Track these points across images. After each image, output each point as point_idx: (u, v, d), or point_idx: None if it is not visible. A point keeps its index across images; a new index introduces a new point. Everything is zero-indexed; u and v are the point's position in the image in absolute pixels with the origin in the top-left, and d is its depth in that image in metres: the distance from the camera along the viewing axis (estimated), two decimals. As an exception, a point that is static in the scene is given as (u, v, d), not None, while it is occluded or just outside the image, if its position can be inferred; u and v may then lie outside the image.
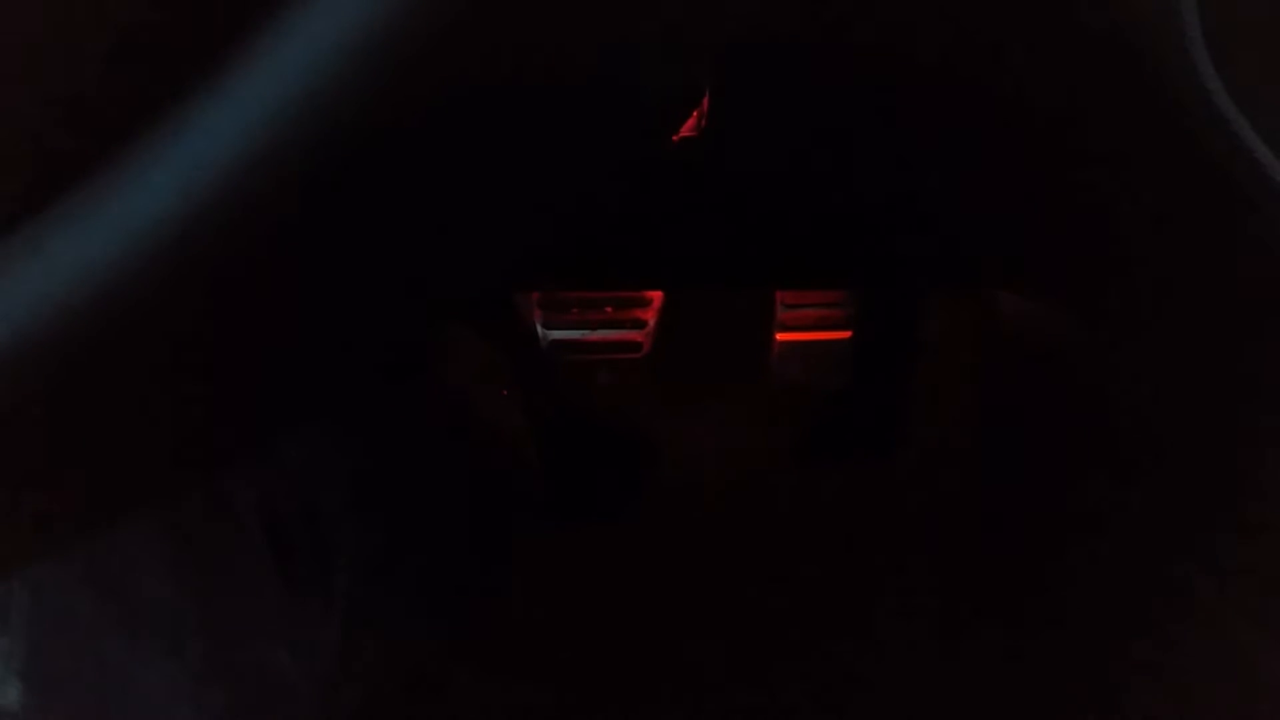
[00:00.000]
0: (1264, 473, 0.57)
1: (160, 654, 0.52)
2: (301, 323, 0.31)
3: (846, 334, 0.98)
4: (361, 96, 0.23)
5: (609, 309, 0.97)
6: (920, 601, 0.94)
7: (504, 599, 0.94)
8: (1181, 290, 0.53)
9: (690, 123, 0.65)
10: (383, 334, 0.41)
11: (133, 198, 0.22)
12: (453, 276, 0.44)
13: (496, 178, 0.36)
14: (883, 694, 0.87)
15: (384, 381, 0.91)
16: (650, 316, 0.97)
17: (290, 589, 0.66)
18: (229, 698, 0.54)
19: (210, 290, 0.25)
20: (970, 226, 0.69)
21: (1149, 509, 0.70)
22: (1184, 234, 0.49)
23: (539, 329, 0.98)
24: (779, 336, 0.98)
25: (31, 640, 0.51)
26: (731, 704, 0.88)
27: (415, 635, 0.84)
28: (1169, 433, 0.65)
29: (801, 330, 0.99)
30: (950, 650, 0.87)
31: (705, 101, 0.64)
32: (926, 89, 0.55)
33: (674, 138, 0.66)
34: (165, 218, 0.23)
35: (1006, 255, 0.72)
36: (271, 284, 0.28)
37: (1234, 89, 0.40)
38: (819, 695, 0.88)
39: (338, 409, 0.72)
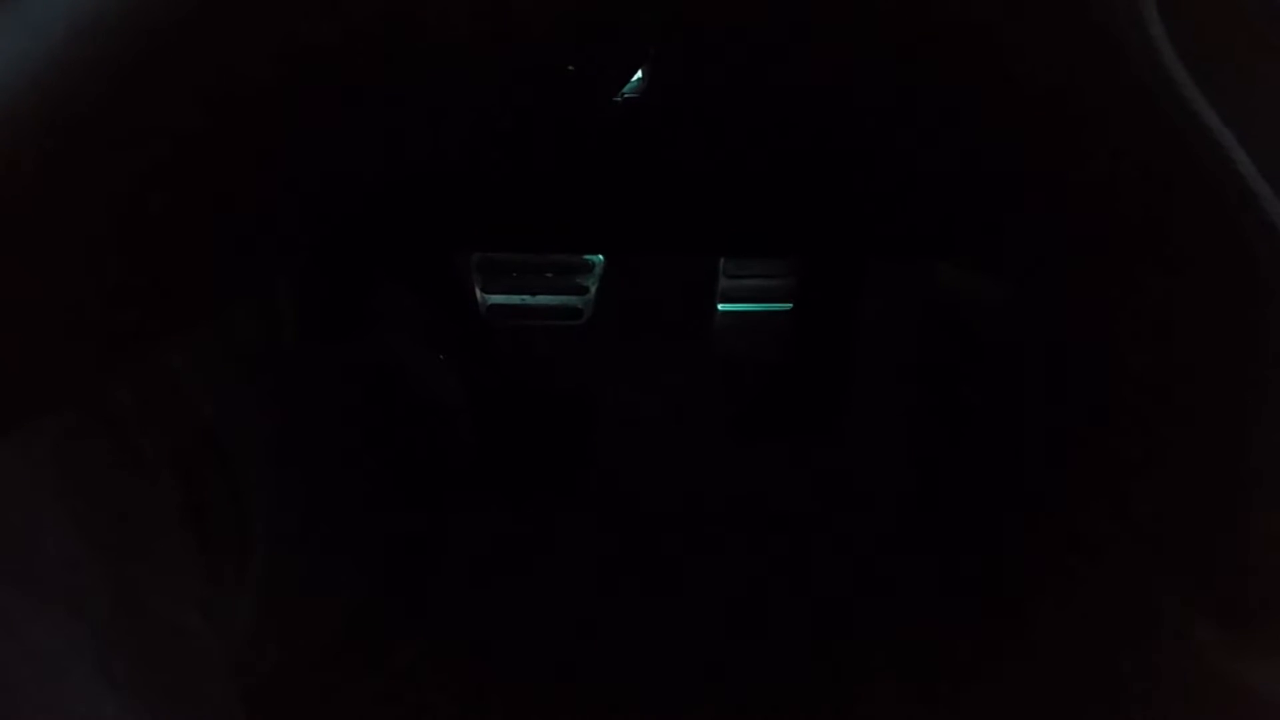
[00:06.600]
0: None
1: (61, 613, 0.49)
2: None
3: (787, 306, 0.98)
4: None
5: (549, 274, 0.95)
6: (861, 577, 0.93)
7: (430, 567, 0.92)
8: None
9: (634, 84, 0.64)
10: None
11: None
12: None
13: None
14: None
15: (313, 342, 0.88)
16: (591, 283, 0.95)
17: (205, 550, 0.63)
18: (134, 661, 0.52)
19: None
20: (913, 194, 0.68)
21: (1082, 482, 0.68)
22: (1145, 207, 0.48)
23: (478, 293, 0.96)
24: (720, 307, 0.98)
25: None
26: (663, 675, 0.87)
27: (333, 604, 0.82)
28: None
29: (743, 301, 0.98)
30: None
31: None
32: (875, 52, 0.54)
33: (617, 99, 0.64)
34: None
35: (948, 223, 0.72)
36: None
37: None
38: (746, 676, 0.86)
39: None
